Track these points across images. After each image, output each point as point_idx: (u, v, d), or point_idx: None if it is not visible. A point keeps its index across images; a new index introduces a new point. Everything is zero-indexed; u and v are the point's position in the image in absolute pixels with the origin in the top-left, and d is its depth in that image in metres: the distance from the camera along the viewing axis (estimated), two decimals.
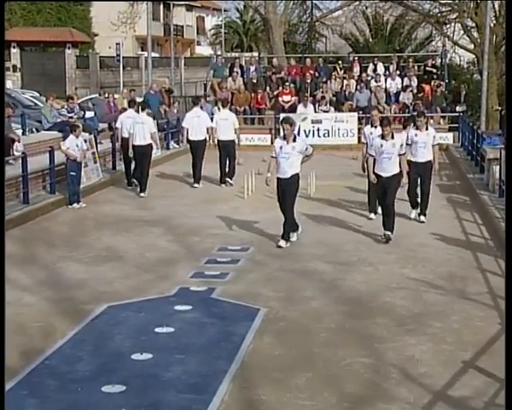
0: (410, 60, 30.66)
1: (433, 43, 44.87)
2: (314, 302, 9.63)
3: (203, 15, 78.88)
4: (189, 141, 19.13)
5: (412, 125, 14.51)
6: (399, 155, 12.76)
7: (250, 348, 8.03)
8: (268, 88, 28.92)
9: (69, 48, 43.31)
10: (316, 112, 27.08)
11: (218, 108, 26.12)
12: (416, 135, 14.13)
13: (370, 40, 46.72)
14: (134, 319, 8.94)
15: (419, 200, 14.71)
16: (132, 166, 18.12)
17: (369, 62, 31.80)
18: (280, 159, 12.13)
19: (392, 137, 12.79)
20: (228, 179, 18.89)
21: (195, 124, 18.78)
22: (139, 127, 17.38)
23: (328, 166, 21.58)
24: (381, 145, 12.74)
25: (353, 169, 19.79)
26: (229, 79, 29.26)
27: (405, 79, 28.91)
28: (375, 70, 30.08)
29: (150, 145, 17.61)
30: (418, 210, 14.73)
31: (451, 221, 14.71)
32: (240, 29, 71.26)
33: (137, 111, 18.00)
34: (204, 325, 8.71)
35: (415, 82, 28.81)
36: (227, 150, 18.91)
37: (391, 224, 12.74)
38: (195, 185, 18.70)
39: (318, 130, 26.63)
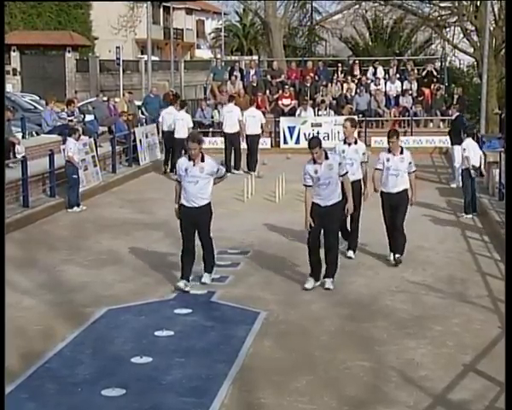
0: (410, 63, 30.66)
1: (433, 46, 44.91)
2: (314, 305, 9.63)
3: (203, 19, 78.93)
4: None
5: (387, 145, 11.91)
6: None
7: (250, 351, 8.03)
8: (268, 91, 28.91)
9: (69, 51, 43.30)
10: (315, 115, 27.07)
11: (218, 111, 26.34)
12: (387, 160, 11.54)
13: (370, 43, 46.77)
14: (134, 323, 8.94)
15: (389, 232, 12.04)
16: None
17: (368, 66, 31.78)
18: (186, 184, 10.07)
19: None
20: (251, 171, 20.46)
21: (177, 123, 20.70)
22: (179, 123, 20.35)
23: None
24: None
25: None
26: (229, 82, 29.25)
27: (405, 83, 28.89)
28: (374, 73, 30.05)
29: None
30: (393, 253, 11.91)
31: (451, 224, 14.71)
32: (240, 32, 71.28)
33: (178, 109, 20.94)
34: (204, 329, 8.71)
35: (414, 85, 28.79)
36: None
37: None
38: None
39: (318, 133, 26.60)
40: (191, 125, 21.05)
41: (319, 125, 26.62)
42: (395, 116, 27.90)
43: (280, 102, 27.90)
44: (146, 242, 13.17)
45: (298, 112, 27.00)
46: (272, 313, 9.30)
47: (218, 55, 52.71)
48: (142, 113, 26.44)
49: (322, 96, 28.02)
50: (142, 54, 51.89)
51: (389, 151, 11.51)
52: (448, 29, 37.75)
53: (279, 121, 26.61)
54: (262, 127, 22.05)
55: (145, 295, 10.03)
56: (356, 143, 11.99)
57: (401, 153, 11.51)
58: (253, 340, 8.34)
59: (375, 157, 12.00)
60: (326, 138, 26.58)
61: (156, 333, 8.53)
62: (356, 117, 26.81)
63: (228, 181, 20.83)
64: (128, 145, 22.29)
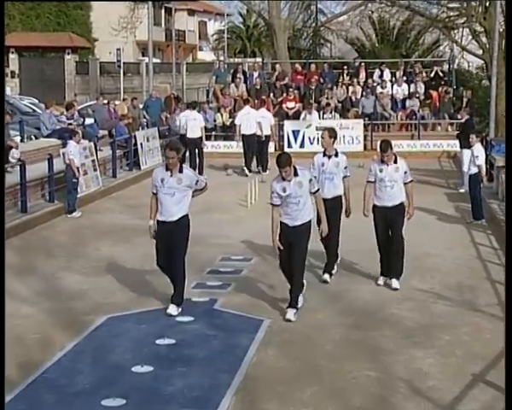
0: (417, 65, 30.67)
1: (441, 48, 44.90)
2: (319, 314, 9.61)
3: (205, 20, 79.02)
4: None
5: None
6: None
7: (253, 360, 8.02)
8: (272, 94, 28.93)
9: (68, 53, 43.38)
10: (320, 119, 27.06)
11: (221, 115, 26.48)
12: (380, 170, 10.83)
13: (377, 45, 46.73)
14: (134, 331, 8.94)
15: (387, 254, 11.13)
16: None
17: (375, 68, 31.82)
18: (162, 195, 9.51)
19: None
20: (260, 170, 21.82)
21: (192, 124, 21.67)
22: (191, 123, 21.44)
23: None
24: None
25: (359, 177, 19.72)
26: (232, 85, 29.29)
27: (412, 85, 28.92)
28: (381, 76, 30.09)
29: (200, 138, 21.67)
30: (385, 276, 11.15)
31: (460, 230, 14.69)
32: (243, 34, 71.36)
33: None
34: (206, 337, 8.70)
35: (422, 88, 28.83)
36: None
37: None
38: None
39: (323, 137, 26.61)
40: (203, 124, 22.12)
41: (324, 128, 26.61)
42: (402, 119, 27.94)
43: (284, 106, 27.92)
44: (146, 248, 13.10)
45: (302, 115, 27.04)
46: (276, 321, 9.29)
47: (221, 58, 52.70)
48: (144, 116, 26.48)
49: (327, 99, 28.04)
50: (143, 56, 51.90)
51: (382, 161, 10.76)
52: (456, 30, 37.73)
53: (283, 125, 26.63)
54: (272, 129, 22.81)
55: (146, 303, 10.03)
56: (336, 155, 11.28)
57: (395, 162, 10.73)
58: (257, 349, 8.33)
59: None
60: None
61: (157, 342, 8.53)
62: (362, 120, 26.99)
63: (231, 186, 21.03)
64: (129, 149, 22.35)
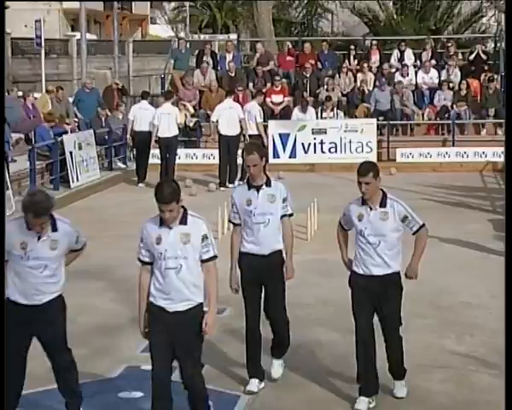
0: (451, 44, 30.84)
1: (484, 20, 45.33)
2: (318, 387, 9.66)
3: None
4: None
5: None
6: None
7: None
8: (251, 84, 29.05)
9: None
10: (318, 118, 27.17)
11: (182, 112, 26.65)
12: (359, 218, 9.29)
13: (395, 17, 47.08)
14: None
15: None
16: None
17: (392, 48, 32.05)
18: (20, 268, 8.50)
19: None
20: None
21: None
22: (165, 118, 23.16)
23: (336, 193, 21.63)
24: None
25: None
26: (197, 71, 29.42)
27: (443, 72, 29.09)
28: (401, 59, 30.24)
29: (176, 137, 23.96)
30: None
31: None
32: (211, 1, 71.67)
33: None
34: None
35: (457, 76, 28.97)
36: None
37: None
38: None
39: (322, 143, 26.74)
40: (180, 120, 24.16)
41: (323, 131, 26.75)
42: (430, 119, 28.08)
43: (268, 100, 28.01)
44: (79, 297, 13.15)
45: (293, 113, 27.11)
46: (258, 397, 9.30)
47: (181, 34, 52.95)
48: (75, 114, 26.52)
49: (327, 91, 28.20)
50: (73, 30, 51.99)
51: (363, 202, 9.25)
52: None
53: (267, 126, 26.66)
54: (242, 127, 23.63)
55: (78, 373, 10.00)
56: (269, 184, 9.66)
57: (382, 204, 9.22)
58: None
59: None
60: (333, 150, 26.62)
61: None
62: (374, 120, 27.11)
63: (196, 211, 20.78)
64: (54, 160, 22.30)
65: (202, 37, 53.53)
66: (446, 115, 27.89)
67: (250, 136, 23.17)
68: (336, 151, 26.74)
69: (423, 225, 9.27)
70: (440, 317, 12.20)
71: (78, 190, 22.38)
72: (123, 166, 26.23)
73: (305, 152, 26.47)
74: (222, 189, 22.97)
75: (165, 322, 8.23)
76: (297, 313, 12.21)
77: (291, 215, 9.66)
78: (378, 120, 27.29)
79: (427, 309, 12.52)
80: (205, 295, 8.22)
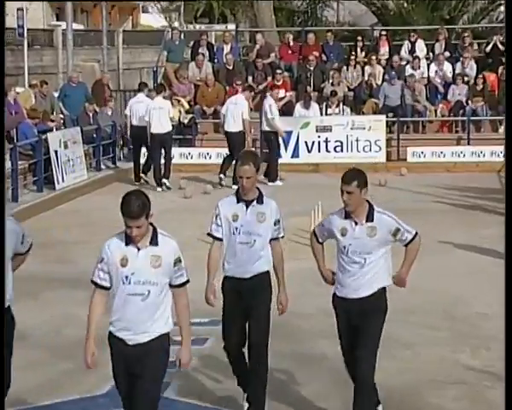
0: (467, 35, 30.86)
1: (502, 8, 45.34)
2: (322, 403, 9.71)
3: None
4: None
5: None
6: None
7: None
8: (251, 78, 29.09)
9: None
10: (322, 114, 27.22)
11: (176, 108, 26.82)
12: (342, 232, 8.83)
13: (405, 5, 47.09)
14: None
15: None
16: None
17: (403, 39, 32.07)
18: None
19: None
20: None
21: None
22: (156, 113, 23.51)
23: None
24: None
25: (378, 200, 19.90)
26: (192, 64, 29.43)
27: (458, 65, 29.11)
28: (412, 51, 30.27)
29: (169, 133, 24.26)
30: None
31: None
32: None
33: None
34: None
35: (473, 69, 28.98)
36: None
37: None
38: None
39: (327, 141, 26.71)
40: (172, 114, 24.52)
41: (328, 129, 26.71)
42: (443, 115, 28.10)
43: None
44: (65, 306, 13.21)
45: (296, 110, 27.18)
46: None
47: (175, 24, 53.01)
48: (60, 110, 26.60)
49: (332, 85, 28.19)
50: (59, 20, 52.06)
51: (346, 215, 8.77)
52: None
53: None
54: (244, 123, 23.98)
55: (63, 390, 10.08)
56: (260, 201, 9.25)
57: (369, 218, 8.75)
58: None
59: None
60: (338, 149, 26.64)
61: None
62: (383, 117, 27.19)
63: (189, 213, 20.94)
64: (37, 160, 22.42)
65: (198, 27, 53.63)
66: (461, 112, 27.83)
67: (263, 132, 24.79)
68: (342, 150, 26.63)
69: (416, 234, 8.84)
70: (454, 329, 12.18)
71: (63, 192, 22.35)
72: (112, 165, 26.25)
73: (309, 151, 26.45)
74: (222, 176, 23.60)
75: (125, 356, 7.69)
76: (300, 323, 12.36)
77: (282, 237, 9.33)
78: (387, 116, 27.18)
79: (441, 321, 12.51)
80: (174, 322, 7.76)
